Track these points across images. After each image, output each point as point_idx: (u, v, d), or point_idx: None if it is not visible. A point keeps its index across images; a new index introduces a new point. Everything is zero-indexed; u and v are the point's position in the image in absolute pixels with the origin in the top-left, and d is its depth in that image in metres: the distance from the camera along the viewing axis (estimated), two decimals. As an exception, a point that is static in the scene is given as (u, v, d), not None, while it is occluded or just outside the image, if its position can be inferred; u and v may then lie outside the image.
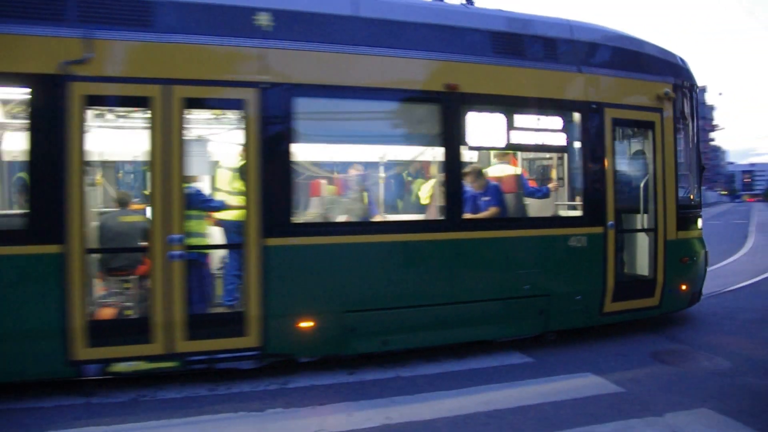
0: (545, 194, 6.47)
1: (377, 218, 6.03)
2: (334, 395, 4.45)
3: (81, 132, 4.33)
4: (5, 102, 5.16)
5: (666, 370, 5.05)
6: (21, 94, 4.46)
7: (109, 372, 4.47)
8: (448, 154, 5.37)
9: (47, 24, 4.28)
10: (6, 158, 5.33)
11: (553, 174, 6.82)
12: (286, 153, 4.85)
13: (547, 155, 6.81)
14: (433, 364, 5.20)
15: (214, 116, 5.66)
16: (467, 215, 5.61)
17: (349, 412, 4.11)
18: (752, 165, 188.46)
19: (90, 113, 4.55)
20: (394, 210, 6.67)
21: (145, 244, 4.88)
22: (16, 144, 4.65)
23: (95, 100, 4.52)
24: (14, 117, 5.03)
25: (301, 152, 5.20)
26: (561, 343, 5.86)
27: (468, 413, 4.05)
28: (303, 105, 4.88)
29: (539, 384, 4.69)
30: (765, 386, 4.62)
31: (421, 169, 6.96)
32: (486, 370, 5.03)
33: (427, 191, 6.29)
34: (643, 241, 6.40)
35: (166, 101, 4.51)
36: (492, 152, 6.63)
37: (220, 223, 5.68)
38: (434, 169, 6.14)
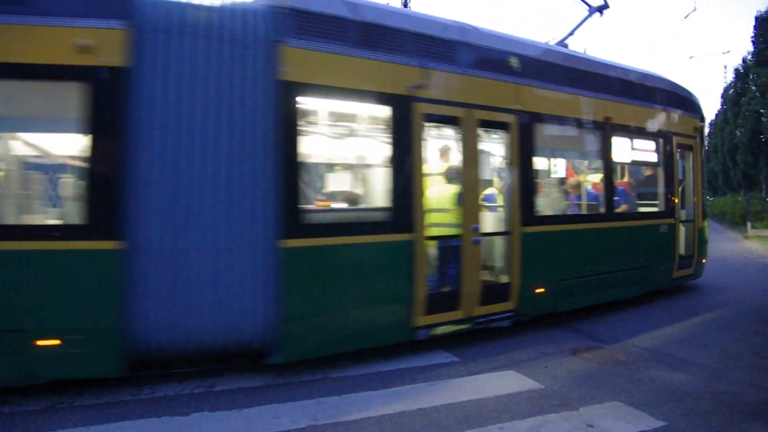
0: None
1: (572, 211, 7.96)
2: (261, 397, 4.41)
3: (421, 143, 5.48)
4: (372, 117, 5.90)
5: (583, 366, 5.33)
6: (383, 111, 5.44)
7: (431, 335, 5.61)
8: (605, 166, 7.47)
9: (397, 54, 5.42)
10: (370, 163, 6.31)
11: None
12: (532, 163, 6.49)
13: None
14: (362, 364, 5.25)
15: (489, 134, 6.80)
16: (615, 210, 7.66)
17: (276, 414, 4.09)
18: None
19: (426, 128, 5.62)
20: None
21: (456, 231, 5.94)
22: (378, 151, 5.75)
23: (427, 118, 5.57)
24: (376, 130, 5.77)
25: (537, 162, 6.87)
26: (486, 341, 6.08)
27: (394, 412, 4.13)
28: (538, 128, 6.55)
29: (464, 382, 4.83)
30: (666, 377, 4.97)
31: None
32: (413, 370, 5.13)
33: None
34: (682, 228, 8.91)
35: (468, 121, 5.85)
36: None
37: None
38: (593, 177, 8.08)
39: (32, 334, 4.12)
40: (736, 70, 34.18)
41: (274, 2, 4.79)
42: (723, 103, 38.73)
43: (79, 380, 4.44)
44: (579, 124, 7.20)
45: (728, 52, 54.81)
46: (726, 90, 37.75)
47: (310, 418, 4.01)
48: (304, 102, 4.96)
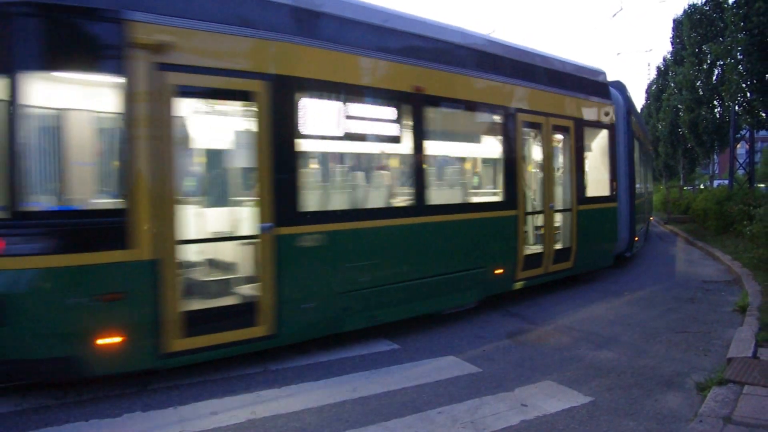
0: None
1: None
2: (197, 393, 4.28)
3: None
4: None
5: (518, 348, 5.54)
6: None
7: None
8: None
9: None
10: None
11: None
12: None
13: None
14: (303, 355, 5.21)
15: None
16: None
17: (213, 409, 3.98)
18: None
19: None
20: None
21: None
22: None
23: None
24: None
25: None
26: (427, 328, 6.19)
27: (335, 402, 4.13)
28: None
29: (404, 369, 4.90)
30: (594, 356, 5.26)
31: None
32: (354, 359, 5.15)
33: None
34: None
35: None
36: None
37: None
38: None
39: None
40: (658, 68, 36.33)
41: None
42: (647, 98, 41.02)
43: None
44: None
45: (651, 50, 58.37)
46: (649, 86, 40.02)
47: (249, 411, 3.94)
48: None
